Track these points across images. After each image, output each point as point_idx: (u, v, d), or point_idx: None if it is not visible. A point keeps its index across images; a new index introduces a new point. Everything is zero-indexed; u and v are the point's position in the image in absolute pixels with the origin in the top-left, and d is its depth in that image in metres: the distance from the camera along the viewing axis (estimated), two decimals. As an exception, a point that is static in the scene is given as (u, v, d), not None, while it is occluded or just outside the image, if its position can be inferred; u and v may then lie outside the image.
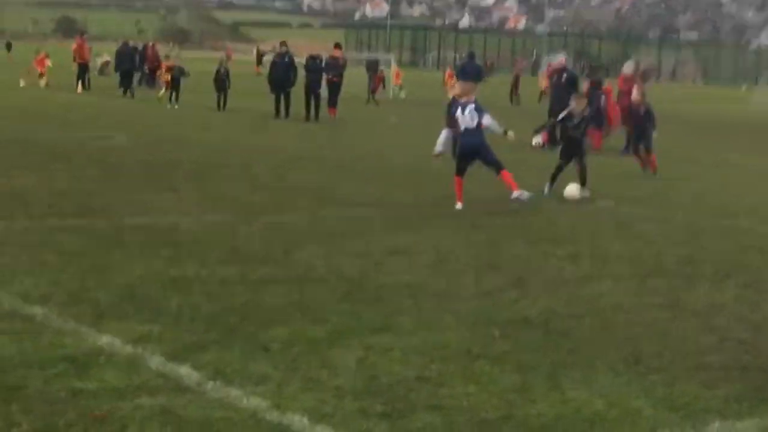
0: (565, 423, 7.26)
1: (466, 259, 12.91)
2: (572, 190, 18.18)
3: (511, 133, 17.65)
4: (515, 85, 55.39)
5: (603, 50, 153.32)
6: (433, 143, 17.88)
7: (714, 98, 69.36)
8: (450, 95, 24.52)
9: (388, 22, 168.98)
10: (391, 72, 55.30)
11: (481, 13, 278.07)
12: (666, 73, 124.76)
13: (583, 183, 18.49)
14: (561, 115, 19.43)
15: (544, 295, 11.13)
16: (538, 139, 28.43)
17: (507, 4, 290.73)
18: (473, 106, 17.27)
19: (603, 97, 28.16)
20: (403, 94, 55.20)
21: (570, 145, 19.13)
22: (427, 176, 21.15)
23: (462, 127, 17.25)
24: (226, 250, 12.83)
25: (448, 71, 56.93)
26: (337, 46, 40.44)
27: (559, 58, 31.99)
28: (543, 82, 50.13)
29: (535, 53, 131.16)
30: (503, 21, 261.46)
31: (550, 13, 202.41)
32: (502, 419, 7.27)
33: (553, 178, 18.83)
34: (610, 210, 17.62)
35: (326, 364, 8.38)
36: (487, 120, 17.24)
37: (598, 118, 26.29)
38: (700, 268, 12.86)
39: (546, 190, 18.69)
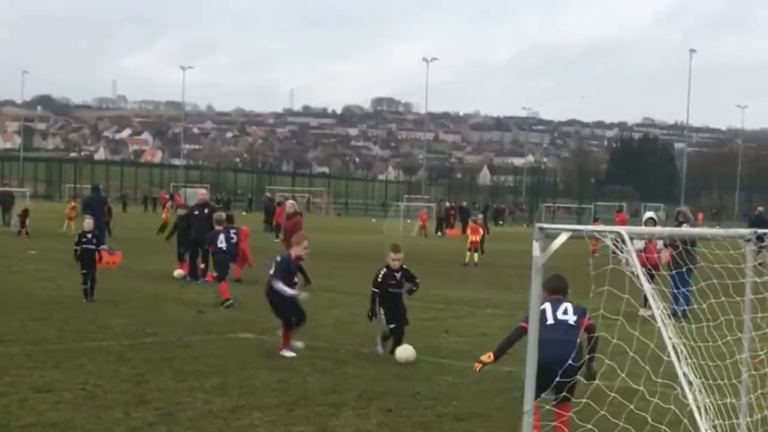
0: None
1: (113, 394, 12.65)
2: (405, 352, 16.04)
3: None
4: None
5: (239, 183, 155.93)
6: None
7: (348, 229, 71.56)
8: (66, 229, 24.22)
9: (21, 154, 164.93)
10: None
11: (116, 145, 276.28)
12: (302, 204, 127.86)
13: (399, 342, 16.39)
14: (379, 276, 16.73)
15: (193, 428, 11.08)
16: (178, 272, 28.60)
17: (142, 137, 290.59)
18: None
19: (237, 234, 28.75)
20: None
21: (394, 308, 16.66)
22: (70, 309, 20.70)
23: None
24: None
25: (71, 204, 56.25)
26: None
27: (201, 192, 32.27)
28: (165, 214, 58.25)
29: (171, 186, 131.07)
30: (139, 153, 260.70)
31: (186, 147, 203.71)
32: None
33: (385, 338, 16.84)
34: (255, 341, 17.79)
35: None
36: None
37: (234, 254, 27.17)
38: (344, 396, 13.16)
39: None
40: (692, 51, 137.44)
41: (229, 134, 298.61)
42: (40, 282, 26.19)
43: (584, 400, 9.29)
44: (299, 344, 16.69)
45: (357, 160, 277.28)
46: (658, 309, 7.40)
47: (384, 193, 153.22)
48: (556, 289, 10.83)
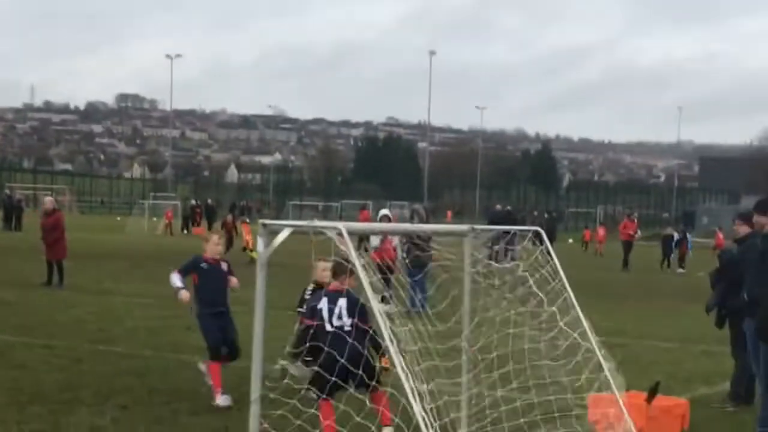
0: None
1: None
2: None
3: None
4: None
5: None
6: None
7: (91, 227, 70.09)
8: None
9: None
10: None
11: None
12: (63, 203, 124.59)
13: None
14: None
15: None
16: None
17: None
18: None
19: None
20: None
21: None
22: None
23: None
24: None
25: None
26: None
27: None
28: None
29: None
30: None
31: None
32: None
33: None
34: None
35: None
36: None
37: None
38: (79, 393, 13.11)
39: None
40: (432, 53, 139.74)
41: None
42: None
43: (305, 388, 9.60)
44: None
45: (102, 157, 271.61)
46: (374, 300, 7.75)
47: (130, 191, 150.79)
48: (336, 273, 10.97)
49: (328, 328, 10.63)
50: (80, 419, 11.68)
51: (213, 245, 13.93)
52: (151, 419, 11.82)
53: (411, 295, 21.06)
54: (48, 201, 30.58)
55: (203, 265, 13.65)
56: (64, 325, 19.90)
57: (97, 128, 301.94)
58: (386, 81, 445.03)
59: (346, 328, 10.58)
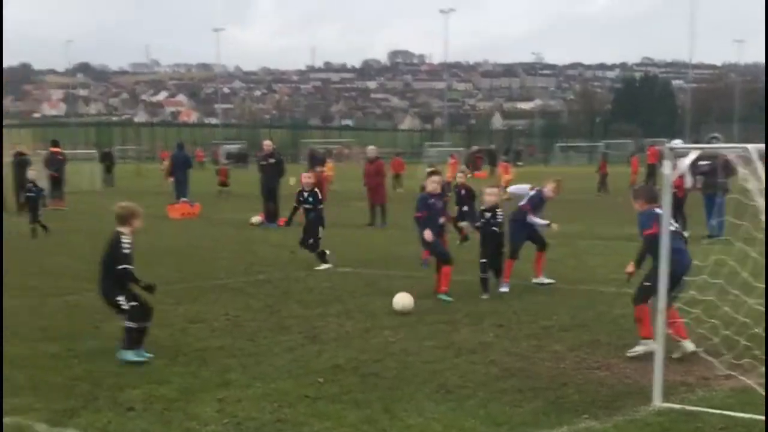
0: (419, 443, 7.96)
1: (255, 322, 13.40)
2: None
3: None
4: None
5: (272, 138, 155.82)
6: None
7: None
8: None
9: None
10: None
11: (153, 108, 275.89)
12: (334, 156, 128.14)
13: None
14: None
15: (340, 346, 11.80)
16: (256, 218, 29.24)
17: (177, 98, 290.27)
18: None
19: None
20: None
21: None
22: (176, 255, 21.43)
23: None
24: (37, 329, 12.89)
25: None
26: (54, 143, 39.70)
27: (267, 143, 32.70)
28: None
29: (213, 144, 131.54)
30: (176, 115, 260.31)
31: (219, 107, 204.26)
32: (367, 446, 7.91)
33: None
34: (354, 274, 18.47)
35: (191, 416, 8.77)
36: None
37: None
38: (454, 315, 13.86)
39: None
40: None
41: (257, 92, 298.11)
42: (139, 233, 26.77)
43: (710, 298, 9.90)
44: None
45: (377, 111, 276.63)
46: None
47: (409, 141, 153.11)
48: (654, 198, 11.32)
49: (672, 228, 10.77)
50: (467, 336, 12.40)
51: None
52: (528, 335, 12.44)
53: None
54: (371, 150, 31.80)
55: None
56: (408, 257, 20.76)
57: (371, 84, 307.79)
58: (640, 21, 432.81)
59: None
